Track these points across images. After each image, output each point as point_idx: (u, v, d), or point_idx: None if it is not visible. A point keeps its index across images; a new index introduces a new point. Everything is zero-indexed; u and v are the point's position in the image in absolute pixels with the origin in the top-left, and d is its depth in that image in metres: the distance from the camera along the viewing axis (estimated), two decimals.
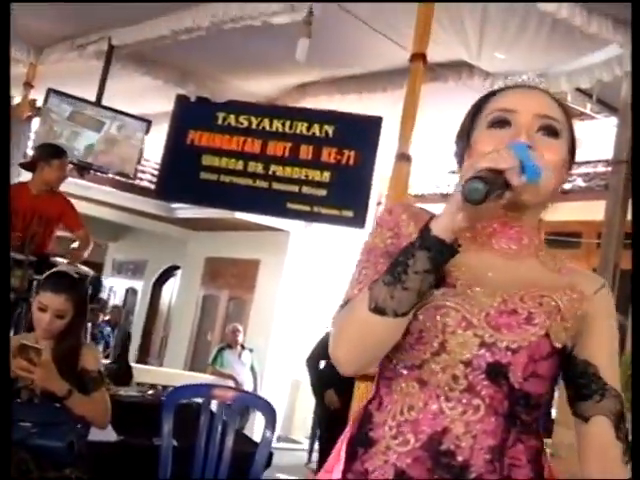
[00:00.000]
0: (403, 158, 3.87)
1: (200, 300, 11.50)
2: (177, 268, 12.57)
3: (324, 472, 1.32)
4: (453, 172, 9.61)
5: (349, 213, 5.84)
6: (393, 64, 6.09)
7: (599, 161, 7.02)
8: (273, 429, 3.16)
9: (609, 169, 6.63)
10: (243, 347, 8.65)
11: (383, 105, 6.32)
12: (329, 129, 5.89)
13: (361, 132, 5.94)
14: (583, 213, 7.12)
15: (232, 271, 10.90)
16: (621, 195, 5.40)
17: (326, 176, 5.87)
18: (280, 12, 4.83)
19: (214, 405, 3.22)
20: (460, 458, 1.19)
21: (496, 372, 1.20)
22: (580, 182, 7.12)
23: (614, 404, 1.27)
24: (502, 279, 1.27)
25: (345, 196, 5.84)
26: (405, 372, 1.26)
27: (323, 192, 5.86)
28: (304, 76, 6.65)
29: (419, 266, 1.15)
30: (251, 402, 3.24)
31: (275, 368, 9.57)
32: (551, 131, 1.29)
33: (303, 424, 9.08)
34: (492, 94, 1.35)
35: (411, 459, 1.20)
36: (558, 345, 1.24)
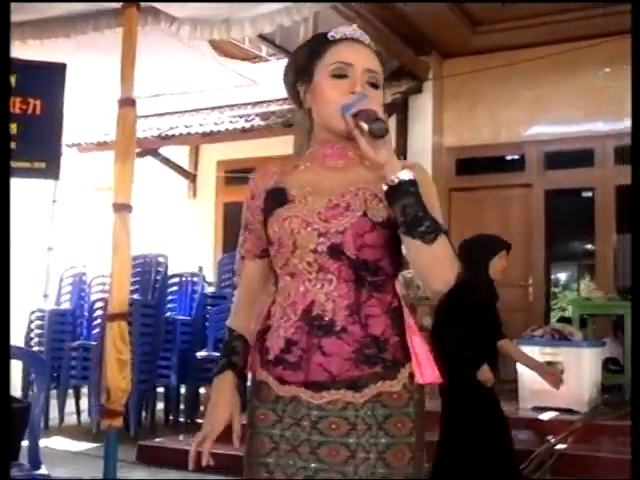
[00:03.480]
0: (128, 103, 3.96)
1: None
2: None
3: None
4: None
5: (41, 165, 5.73)
6: (75, 9, 5.96)
7: (277, 100, 7.55)
8: (47, 379, 3.20)
9: (285, 107, 7.25)
10: None
11: (65, 52, 6.18)
12: (11, 78, 5.67)
13: (45, 80, 5.80)
14: (263, 149, 7.68)
15: None
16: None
17: (13, 128, 5.67)
18: None
19: None
20: (327, 318, 1.62)
21: (335, 251, 1.63)
22: (259, 121, 7.61)
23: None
24: (332, 186, 1.69)
25: (35, 147, 5.70)
26: (280, 271, 1.70)
27: (12, 145, 5.66)
28: None
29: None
30: (17, 354, 3.21)
31: None
32: (374, 84, 1.71)
33: None
34: (327, 41, 1.72)
35: (294, 329, 1.64)
36: (378, 220, 1.63)
